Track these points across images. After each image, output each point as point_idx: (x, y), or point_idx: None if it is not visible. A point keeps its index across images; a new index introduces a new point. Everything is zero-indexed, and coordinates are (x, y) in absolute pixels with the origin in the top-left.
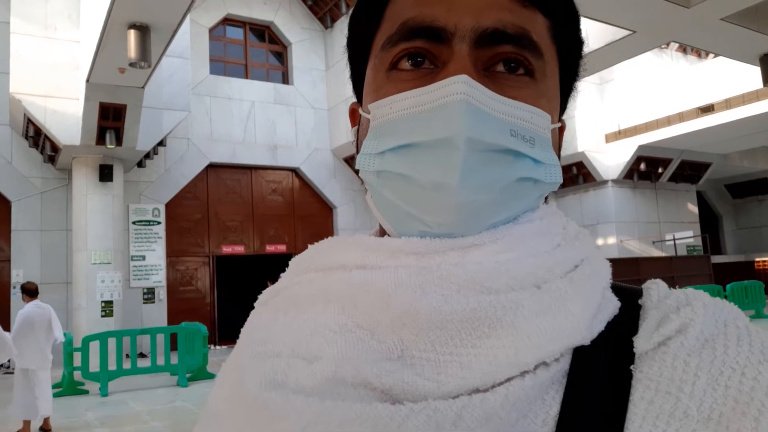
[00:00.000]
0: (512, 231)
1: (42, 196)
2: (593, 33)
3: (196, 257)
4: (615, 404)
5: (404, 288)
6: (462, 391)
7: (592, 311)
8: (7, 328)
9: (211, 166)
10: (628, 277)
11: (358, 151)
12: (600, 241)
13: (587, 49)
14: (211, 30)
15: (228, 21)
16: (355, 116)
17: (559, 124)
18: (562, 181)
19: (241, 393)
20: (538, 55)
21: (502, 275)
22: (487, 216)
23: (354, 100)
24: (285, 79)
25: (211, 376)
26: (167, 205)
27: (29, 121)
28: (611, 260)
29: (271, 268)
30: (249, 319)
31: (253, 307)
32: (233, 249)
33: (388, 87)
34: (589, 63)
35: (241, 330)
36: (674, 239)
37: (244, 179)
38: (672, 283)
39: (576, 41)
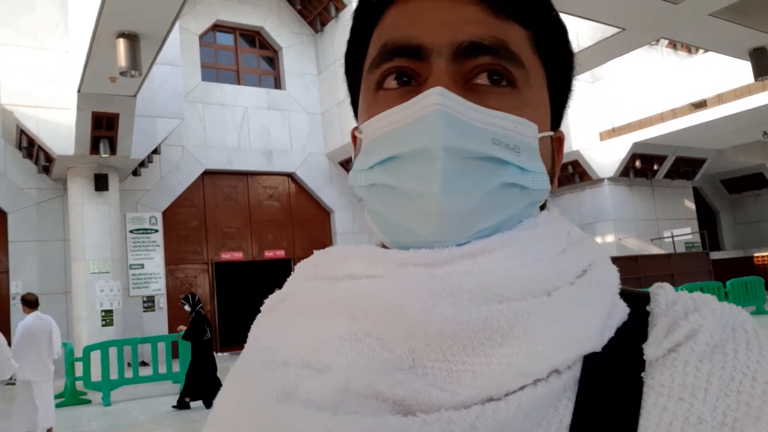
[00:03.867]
0: (519, 236)
1: (38, 206)
2: (583, 31)
3: (195, 264)
4: (627, 411)
5: (415, 298)
6: (475, 400)
7: (602, 318)
8: (7, 340)
9: (207, 173)
10: (628, 275)
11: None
12: (598, 240)
13: (577, 47)
14: (201, 36)
15: (218, 27)
16: (355, 140)
17: (550, 133)
18: (549, 188)
19: (250, 403)
20: (519, 65)
21: (512, 282)
22: (473, 223)
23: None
24: (277, 84)
25: None
26: (164, 213)
27: (22, 132)
28: (614, 258)
29: (271, 273)
30: (255, 324)
31: (256, 313)
32: (232, 255)
33: (377, 106)
34: (580, 62)
35: (249, 335)
36: (672, 236)
37: (240, 185)
38: (672, 280)
39: (563, 51)
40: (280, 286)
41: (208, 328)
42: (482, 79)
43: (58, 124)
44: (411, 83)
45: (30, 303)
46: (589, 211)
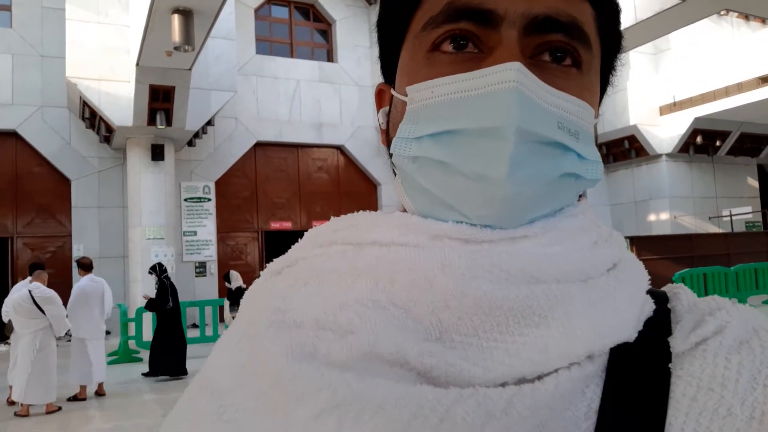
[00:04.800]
0: (560, 225)
1: (99, 174)
2: (640, 3)
3: (246, 233)
4: (655, 400)
5: (451, 269)
6: (508, 378)
7: (638, 309)
8: (66, 300)
9: (259, 145)
10: (681, 254)
11: (387, 134)
12: (652, 217)
13: (634, 19)
14: (256, 10)
15: (273, 0)
16: (382, 97)
17: (598, 119)
18: (601, 179)
19: (259, 363)
20: (587, 46)
21: (551, 267)
22: (529, 210)
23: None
24: (330, 57)
25: None
26: (217, 183)
27: (85, 104)
28: (663, 237)
29: None
30: (256, 287)
31: None
32: (281, 225)
33: (428, 70)
34: (637, 35)
35: (244, 298)
36: (731, 215)
37: (290, 157)
38: (727, 260)
39: (617, 34)
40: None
41: (172, 298)
42: (546, 56)
43: (119, 96)
44: (467, 48)
45: (85, 266)
46: (644, 187)
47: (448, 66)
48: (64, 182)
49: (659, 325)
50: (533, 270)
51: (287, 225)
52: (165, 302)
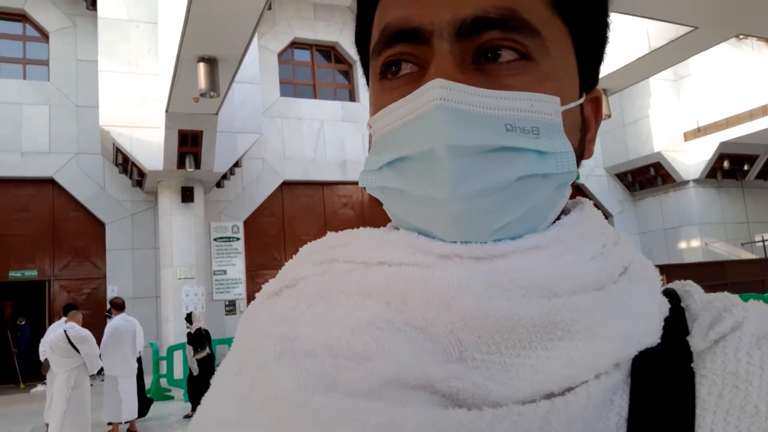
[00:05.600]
0: (570, 232)
1: (132, 217)
2: (653, 31)
3: (274, 270)
4: (683, 401)
5: (469, 290)
6: (536, 395)
7: (657, 312)
8: (99, 340)
9: (285, 184)
10: (714, 281)
11: None
12: (683, 245)
13: (648, 48)
14: (279, 54)
15: (295, 44)
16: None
17: (578, 102)
18: (576, 169)
19: (271, 398)
20: (532, 33)
21: (567, 279)
22: (492, 220)
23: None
24: (351, 96)
25: None
26: (245, 222)
27: (118, 150)
28: (695, 264)
29: None
30: (253, 311)
31: None
32: None
33: (383, 97)
34: (652, 63)
35: (241, 323)
36: (764, 240)
37: (316, 195)
38: (762, 287)
39: (590, 3)
40: None
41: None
42: (492, 56)
43: (149, 141)
44: (411, 69)
45: (118, 306)
46: (673, 215)
47: (394, 92)
48: (98, 226)
49: (676, 324)
50: (550, 284)
51: None
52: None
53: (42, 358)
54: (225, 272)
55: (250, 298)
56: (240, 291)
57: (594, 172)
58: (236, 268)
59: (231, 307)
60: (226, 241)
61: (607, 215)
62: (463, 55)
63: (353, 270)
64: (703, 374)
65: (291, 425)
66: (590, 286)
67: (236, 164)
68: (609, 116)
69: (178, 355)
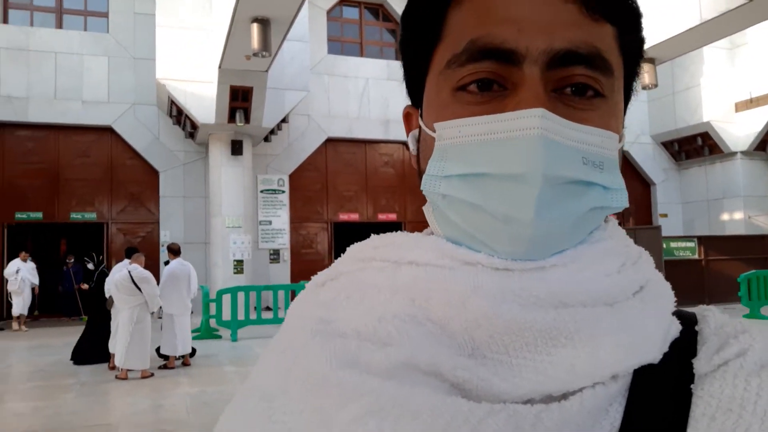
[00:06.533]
0: (589, 251)
1: (184, 167)
2: (706, 3)
3: (316, 223)
4: (676, 419)
5: (483, 292)
6: (535, 395)
7: (663, 331)
8: (156, 280)
9: (329, 141)
10: (755, 254)
11: (418, 158)
12: (725, 217)
13: (699, 19)
14: (328, 12)
15: (344, 2)
16: (410, 120)
17: (624, 138)
18: (627, 205)
19: (304, 370)
20: (609, 73)
21: (579, 293)
22: (556, 245)
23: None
24: (398, 55)
25: None
26: (291, 176)
27: (172, 103)
28: (734, 237)
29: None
30: (302, 298)
31: None
32: (349, 216)
33: (455, 107)
34: (703, 33)
35: (291, 308)
36: None
37: (359, 152)
38: None
39: (638, 43)
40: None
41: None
42: (570, 89)
43: (202, 96)
44: (493, 87)
45: (174, 251)
46: (718, 186)
47: (474, 106)
48: (153, 173)
49: (685, 346)
50: (562, 295)
51: (354, 217)
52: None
53: (107, 296)
54: (270, 223)
55: (293, 247)
56: (284, 241)
57: (639, 140)
58: (281, 219)
59: (275, 255)
60: (271, 194)
61: (649, 183)
62: (548, 82)
63: (386, 268)
64: (700, 396)
65: (317, 394)
66: (600, 300)
67: (283, 120)
68: (655, 86)
69: (226, 298)
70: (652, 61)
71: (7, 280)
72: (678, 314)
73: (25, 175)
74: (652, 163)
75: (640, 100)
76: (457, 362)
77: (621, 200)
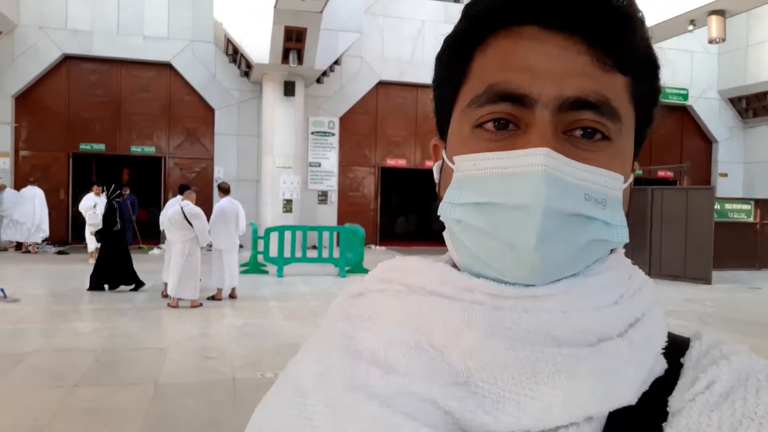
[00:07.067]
0: (584, 283)
1: (239, 105)
2: None
3: (364, 167)
4: None
5: (475, 326)
6: (515, 428)
7: (644, 376)
8: (208, 217)
9: (381, 84)
10: None
11: (438, 186)
12: None
13: None
14: None
15: None
16: (437, 152)
17: (631, 180)
18: (628, 240)
19: (329, 382)
20: (616, 119)
21: (567, 327)
22: (558, 272)
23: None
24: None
25: (365, 271)
26: (341, 119)
27: (229, 41)
28: None
29: (430, 182)
30: (338, 306)
31: (414, 214)
32: (396, 162)
33: (473, 143)
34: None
35: (328, 313)
36: None
37: (410, 97)
38: None
39: (653, 91)
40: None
41: (120, 220)
42: (579, 132)
43: (257, 35)
44: (508, 127)
45: (224, 189)
46: None
47: (490, 142)
48: (208, 110)
49: (666, 383)
50: (550, 329)
51: (402, 162)
52: (113, 224)
53: (161, 229)
54: (319, 164)
55: (341, 190)
56: (332, 183)
57: (705, 95)
58: (330, 161)
59: (323, 197)
60: (322, 135)
61: (711, 141)
62: (557, 125)
63: (401, 292)
64: None
65: (328, 410)
66: (589, 336)
67: (336, 62)
68: (723, 40)
69: (273, 236)
70: (722, 13)
71: (82, 214)
72: (671, 340)
73: (89, 108)
74: (717, 119)
75: (710, 52)
76: (449, 392)
77: (621, 236)
